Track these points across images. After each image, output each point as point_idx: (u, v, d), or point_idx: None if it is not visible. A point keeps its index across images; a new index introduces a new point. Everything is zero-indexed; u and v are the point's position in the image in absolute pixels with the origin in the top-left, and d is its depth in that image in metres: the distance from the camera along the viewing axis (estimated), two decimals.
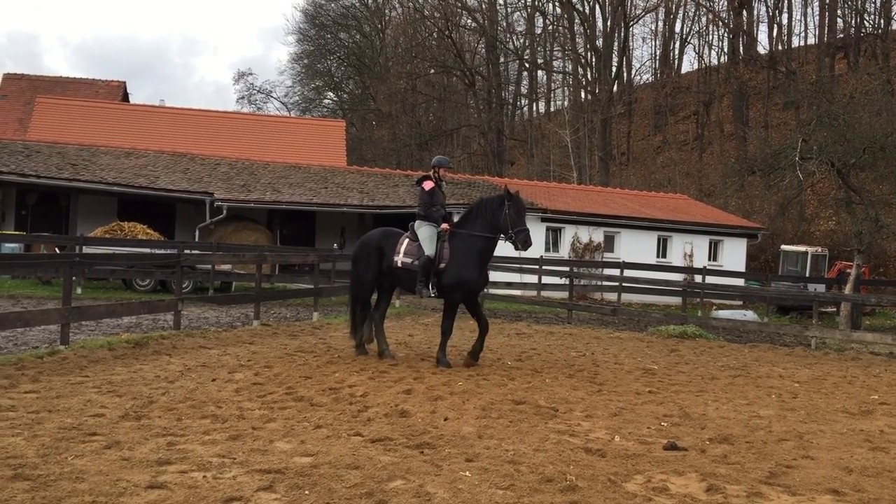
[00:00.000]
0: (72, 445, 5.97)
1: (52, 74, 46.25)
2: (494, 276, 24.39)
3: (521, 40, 60.51)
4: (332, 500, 5.06)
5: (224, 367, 9.81)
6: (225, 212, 25.02)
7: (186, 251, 19.58)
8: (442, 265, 10.68)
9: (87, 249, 19.65)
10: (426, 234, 10.80)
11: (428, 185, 11.06)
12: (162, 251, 20.85)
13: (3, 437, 6.11)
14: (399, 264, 10.93)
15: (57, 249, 21.86)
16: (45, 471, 5.31)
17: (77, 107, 34.63)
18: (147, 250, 20.90)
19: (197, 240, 25.06)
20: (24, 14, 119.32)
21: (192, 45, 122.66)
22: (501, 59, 59.97)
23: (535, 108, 64.39)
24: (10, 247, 22.24)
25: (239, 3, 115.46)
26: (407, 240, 11.01)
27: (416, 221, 11.00)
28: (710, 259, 30.36)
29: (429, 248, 10.72)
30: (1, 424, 6.48)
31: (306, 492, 5.18)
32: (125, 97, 43.49)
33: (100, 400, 7.62)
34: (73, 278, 12.50)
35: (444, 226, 10.81)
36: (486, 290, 10.98)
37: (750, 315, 22.76)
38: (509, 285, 24.79)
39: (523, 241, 10.55)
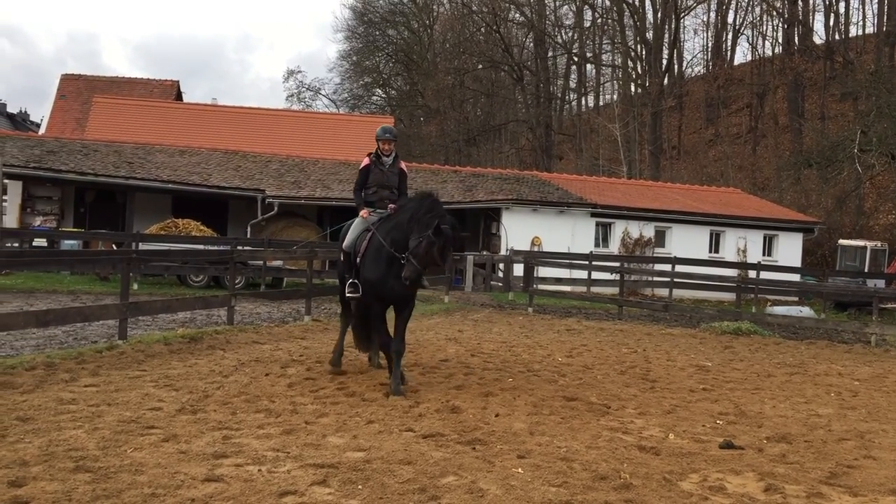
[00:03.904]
0: (131, 438, 6.09)
1: (110, 74, 47.38)
2: (543, 271, 24.34)
3: (570, 34, 60.03)
4: (384, 495, 5.08)
5: (277, 362, 9.91)
6: (276, 208, 25.33)
7: (239, 247, 19.85)
8: (358, 260, 8.86)
9: (142, 246, 20.07)
10: (353, 223, 9.20)
11: (364, 162, 9.30)
12: (215, 247, 21.19)
13: (65, 429, 6.26)
14: (342, 258, 9.44)
15: (114, 246, 22.37)
16: (106, 463, 5.43)
17: (132, 106, 35.37)
18: (201, 247, 21.24)
19: (249, 236, 25.42)
20: (84, 14, 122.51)
21: (248, 42, 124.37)
22: (550, 54, 59.55)
23: (583, 102, 63.84)
24: (70, 244, 22.83)
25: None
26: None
27: None
28: (764, 254, 29.79)
29: (347, 240, 9.07)
30: (63, 417, 6.65)
31: (359, 486, 5.21)
32: (178, 96, 44.29)
33: (157, 394, 7.76)
34: (130, 274, 12.75)
35: (363, 212, 9.08)
36: (414, 296, 8.45)
37: (806, 311, 22.24)
38: (559, 281, 24.68)
39: (405, 274, 8.16)
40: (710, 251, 29.34)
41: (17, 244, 22.46)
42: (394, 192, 9.21)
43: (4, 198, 24.43)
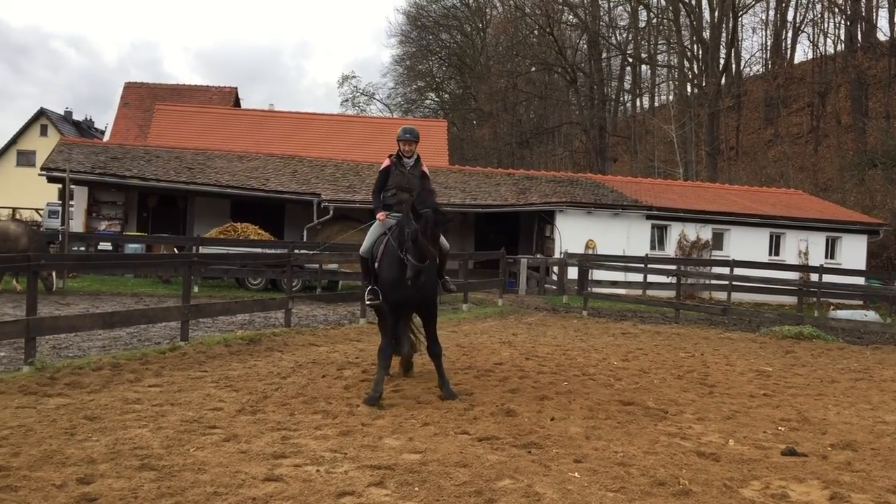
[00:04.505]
0: (193, 438, 6.24)
1: (171, 81, 48.61)
2: (598, 274, 24.13)
3: (625, 35, 59.42)
4: (441, 497, 5.10)
5: (333, 364, 10.03)
6: (331, 212, 25.62)
7: (296, 251, 20.10)
8: (376, 265, 8.54)
9: (203, 249, 20.48)
10: (372, 226, 8.95)
11: (384, 163, 9.04)
12: (273, 251, 21.51)
13: (131, 428, 6.45)
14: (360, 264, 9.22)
15: (175, 250, 22.89)
16: (170, 462, 5.57)
17: (193, 113, 36.20)
18: (259, 250, 21.60)
19: (305, 239, 25.75)
20: (148, 23, 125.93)
21: (305, 49, 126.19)
22: (604, 55, 58.99)
23: (638, 103, 63.12)
24: (133, 247, 23.46)
25: (352, 4, 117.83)
26: None
27: None
28: (827, 257, 29.01)
29: (364, 246, 8.82)
30: (128, 416, 6.84)
31: (416, 488, 5.24)
32: (237, 102, 45.16)
33: (218, 394, 7.93)
34: (191, 277, 13.03)
35: (380, 215, 8.77)
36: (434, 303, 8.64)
37: (871, 315, 21.60)
38: (614, 284, 24.43)
39: (407, 275, 7.84)
40: (770, 254, 28.71)
41: (83, 248, 23.19)
42: (405, 191, 8.83)
43: (71, 203, 25.21)
